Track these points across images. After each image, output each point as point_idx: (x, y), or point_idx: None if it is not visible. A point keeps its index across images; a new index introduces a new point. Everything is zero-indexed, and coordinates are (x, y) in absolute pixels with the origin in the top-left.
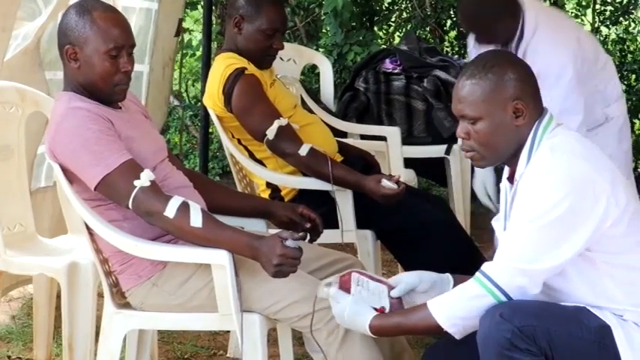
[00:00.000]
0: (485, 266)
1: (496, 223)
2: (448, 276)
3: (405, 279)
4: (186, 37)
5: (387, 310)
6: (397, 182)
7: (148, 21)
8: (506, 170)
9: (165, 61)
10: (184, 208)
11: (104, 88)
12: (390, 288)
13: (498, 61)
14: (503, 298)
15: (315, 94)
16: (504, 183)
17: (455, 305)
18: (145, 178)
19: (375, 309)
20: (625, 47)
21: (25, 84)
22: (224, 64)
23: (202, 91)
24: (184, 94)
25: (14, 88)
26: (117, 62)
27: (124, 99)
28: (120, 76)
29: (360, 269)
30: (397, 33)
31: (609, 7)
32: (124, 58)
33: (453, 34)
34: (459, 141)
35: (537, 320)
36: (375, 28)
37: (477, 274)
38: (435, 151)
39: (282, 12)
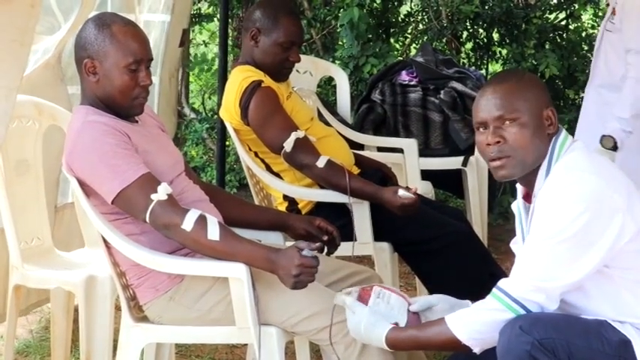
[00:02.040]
0: (502, 282)
1: (514, 245)
2: (468, 302)
3: (426, 297)
4: (202, 49)
5: (402, 325)
6: (414, 193)
7: (161, 33)
8: (521, 190)
9: (171, 72)
10: (202, 221)
11: (123, 102)
12: (410, 305)
13: (526, 72)
14: (522, 312)
15: (331, 106)
16: (519, 202)
17: (473, 319)
18: (162, 192)
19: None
20: None
21: (47, 98)
22: (241, 76)
23: (219, 104)
24: (201, 107)
25: (31, 102)
26: (136, 76)
27: (142, 112)
28: (138, 89)
29: (382, 284)
30: (413, 45)
31: None
32: (142, 72)
33: (469, 45)
34: (476, 152)
35: (557, 333)
36: (391, 40)
37: (494, 290)
38: (452, 162)
39: (298, 25)
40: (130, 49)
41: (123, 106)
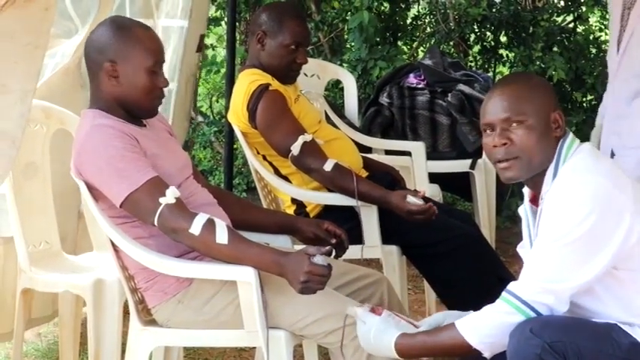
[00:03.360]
0: (512, 285)
1: (521, 249)
2: None
3: (432, 317)
4: (210, 53)
5: None
6: (423, 198)
7: (180, 39)
8: (527, 193)
9: (187, 77)
10: (210, 225)
11: (145, 104)
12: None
13: (534, 75)
14: (532, 314)
15: (339, 109)
16: (526, 206)
17: (483, 323)
18: (171, 195)
19: None
20: None
21: (67, 104)
22: (248, 80)
23: (226, 107)
24: (208, 111)
25: (39, 106)
26: (156, 78)
27: (156, 114)
28: (158, 91)
29: (392, 311)
30: (421, 48)
31: None
32: (161, 74)
33: (476, 48)
34: (484, 155)
35: (567, 336)
36: (399, 43)
37: (504, 293)
38: (460, 165)
39: (304, 27)
40: (152, 50)
41: (144, 107)
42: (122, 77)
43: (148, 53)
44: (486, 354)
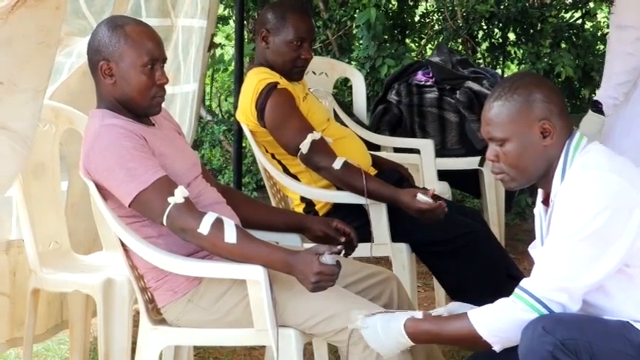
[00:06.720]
0: (525, 282)
1: (533, 250)
2: None
3: (447, 306)
4: (218, 52)
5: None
6: (433, 196)
7: (200, 39)
8: (540, 193)
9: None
10: (218, 224)
11: (142, 102)
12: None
13: (524, 82)
14: (545, 312)
15: (347, 107)
16: (539, 207)
17: (496, 317)
18: (179, 195)
19: None
20: None
21: (86, 105)
22: (256, 78)
23: (235, 106)
24: (217, 109)
25: (48, 106)
26: (152, 75)
27: (160, 112)
28: (156, 89)
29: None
30: (429, 45)
31: None
32: (159, 71)
33: (484, 45)
34: None
35: (580, 334)
36: (407, 41)
37: (516, 290)
38: (469, 162)
39: (307, 21)
40: (146, 48)
41: (141, 105)
42: (117, 76)
43: (141, 51)
44: (496, 347)
